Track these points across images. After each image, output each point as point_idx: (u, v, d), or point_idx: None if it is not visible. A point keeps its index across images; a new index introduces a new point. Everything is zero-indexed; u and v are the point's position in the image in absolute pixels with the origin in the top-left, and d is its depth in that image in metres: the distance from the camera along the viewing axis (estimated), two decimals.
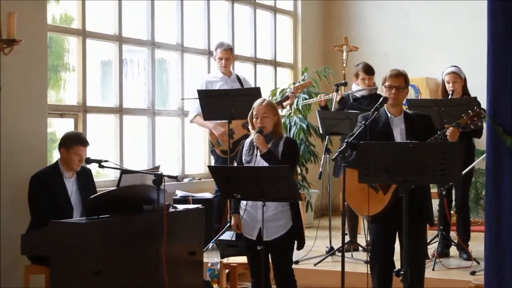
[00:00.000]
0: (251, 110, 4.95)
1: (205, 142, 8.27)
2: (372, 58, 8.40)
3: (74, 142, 5.41)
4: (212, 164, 7.32)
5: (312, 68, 8.94)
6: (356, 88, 6.87)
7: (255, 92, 6.37)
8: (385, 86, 4.81)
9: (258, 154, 4.85)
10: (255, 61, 9.15)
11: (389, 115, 4.81)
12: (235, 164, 5.19)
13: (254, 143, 4.85)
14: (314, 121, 7.79)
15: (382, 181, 4.47)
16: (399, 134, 4.77)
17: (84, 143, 5.47)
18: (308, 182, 8.44)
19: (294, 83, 8.76)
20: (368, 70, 6.77)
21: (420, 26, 9.53)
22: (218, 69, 7.19)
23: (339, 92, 6.95)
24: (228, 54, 7.13)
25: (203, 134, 8.26)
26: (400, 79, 4.80)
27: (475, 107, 5.05)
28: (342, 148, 4.52)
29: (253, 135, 4.94)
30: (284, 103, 7.25)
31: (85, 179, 5.54)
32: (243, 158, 4.95)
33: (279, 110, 7.71)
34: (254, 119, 4.92)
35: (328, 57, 9.86)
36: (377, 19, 9.84)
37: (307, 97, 8.18)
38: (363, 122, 4.76)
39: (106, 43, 7.19)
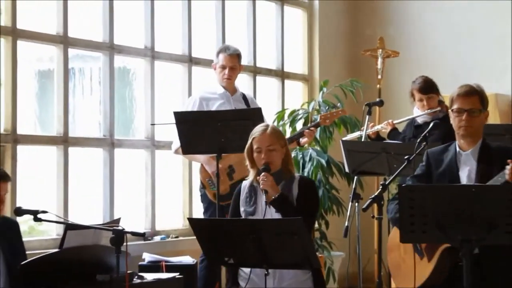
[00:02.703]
0: (250, 142, 4.99)
1: (184, 185, 8.28)
2: (417, 67, 8.46)
3: None
4: (200, 214, 7.28)
5: (334, 81, 8.99)
6: (417, 112, 6.93)
7: (255, 115, 6.35)
8: (452, 110, 4.79)
9: (264, 201, 4.88)
10: (255, 71, 9.20)
11: (457, 149, 4.80)
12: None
13: (261, 186, 4.88)
14: (337, 155, 7.79)
15: (433, 240, 4.45)
16: (465, 176, 4.75)
17: (4, 177, 5.45)
18: (329, 242, 8.46)
19: (308, 103, 8.77)
20: (424, 88, 6.82)
21: (485, 24, 9.58)
22: (219, 82, 7.20)
23: (390, 121, 7.01)
24: (234, 62, 7.15)
25: (182, 173, 8.28)
26: (473, 99, 4.79)
27: None
28: (377, 192, 4.54)
29: (252, 176, 4.93)
30: (302, 140, 7.18)
31: (10, 234, 5.47)
32: (242, 209, 5.00)
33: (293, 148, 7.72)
34: (255, 154, 4.96)
35: (356, 65, 9.96)
36: (424, 14, 9.91)
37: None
38: (406, 158, 4.77)
39: (46, 45, 7.24)
